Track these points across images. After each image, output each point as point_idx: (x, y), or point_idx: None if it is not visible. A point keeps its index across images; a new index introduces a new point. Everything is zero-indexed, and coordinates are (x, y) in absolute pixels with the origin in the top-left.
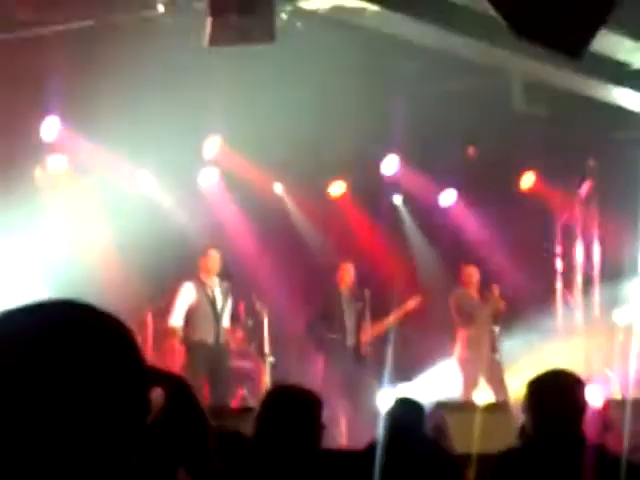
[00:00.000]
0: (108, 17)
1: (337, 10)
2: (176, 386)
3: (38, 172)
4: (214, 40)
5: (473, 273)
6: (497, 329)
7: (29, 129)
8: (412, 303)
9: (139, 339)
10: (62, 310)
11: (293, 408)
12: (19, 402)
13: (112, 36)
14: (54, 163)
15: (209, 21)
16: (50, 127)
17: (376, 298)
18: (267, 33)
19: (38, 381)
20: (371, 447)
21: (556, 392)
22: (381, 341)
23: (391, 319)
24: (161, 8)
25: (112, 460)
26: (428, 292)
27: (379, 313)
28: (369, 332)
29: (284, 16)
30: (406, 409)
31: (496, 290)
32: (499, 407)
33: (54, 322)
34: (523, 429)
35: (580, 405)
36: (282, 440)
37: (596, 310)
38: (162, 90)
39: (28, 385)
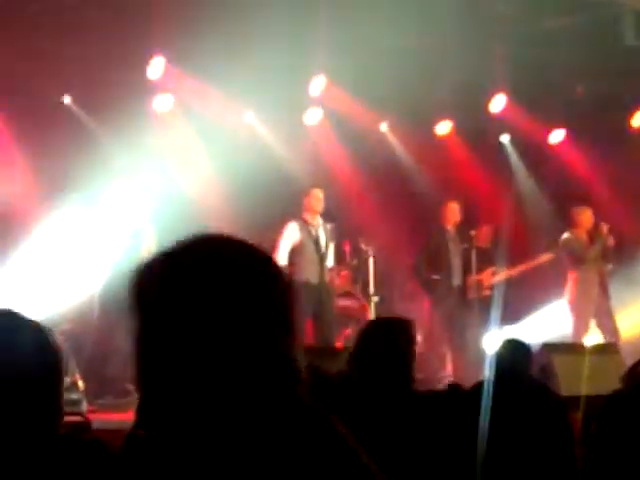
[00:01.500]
0: None
1: None
2: None
3: (144, 111)
4: None
5: (586, 215)
6: (609, 267)
7: (137, 68)
8: (545, 257)
9: None
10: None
11: (386, 334)
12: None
13: None
14: (161, 102)
15: None
16: (157, 66)
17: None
18: None
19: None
20: (477, 388)
21: None
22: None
23: (519, 270)
24: None
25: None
26: (537, 232)
27: (486, 255)
28: (494, 278)
29: None
30: (513, 350)
31: (605, 228)
32: (608, 349)
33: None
34: (631, 372)
35: None
36: (377, 369)
37: None
38: (268, 30)
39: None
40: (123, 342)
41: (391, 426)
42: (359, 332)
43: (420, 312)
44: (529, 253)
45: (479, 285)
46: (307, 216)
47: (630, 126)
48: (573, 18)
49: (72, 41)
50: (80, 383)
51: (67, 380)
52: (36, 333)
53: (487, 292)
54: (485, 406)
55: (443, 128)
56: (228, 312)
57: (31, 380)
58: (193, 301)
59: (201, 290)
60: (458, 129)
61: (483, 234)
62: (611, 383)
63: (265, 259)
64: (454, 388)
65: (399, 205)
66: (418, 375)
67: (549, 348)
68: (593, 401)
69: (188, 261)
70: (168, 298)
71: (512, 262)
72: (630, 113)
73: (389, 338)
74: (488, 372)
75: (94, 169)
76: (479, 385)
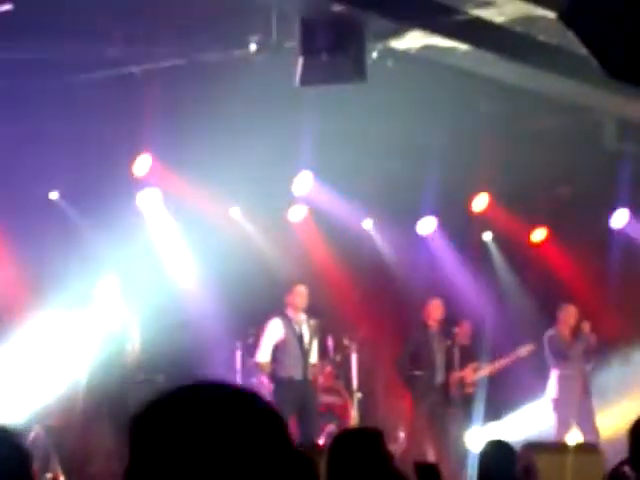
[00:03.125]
0: (201, 55)
1: (428, 49)
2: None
3: (130, 207)
4: (305, 79)
5: (570, 313)
6: (590, 367)
7: (122, 164)
8: (524, 350)
9: (228, 374)
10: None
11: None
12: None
13: (205, 74)
14: (147, 198)
15: (300, 60)
16: (143, 162)
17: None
18: (358, 72)
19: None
20: None
21: None
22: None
23: (501, 364)
24: (253, 47)
25: None
26: (520, 329)
27: (468, 351)
28: (474, 374)
29: (375, 55)
30: (497, 451)
31: (587, 327)
32: (589, 448)
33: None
34: (613, 473)
35: None
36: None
37: None
38: (254, 127)
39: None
40: (106, 439)
41: None
42: (328, 448)
43: (403, 408)
44: (511, 349)
45: (462, 382)
46: (291, 312)
47: (611, 225)
48: (557, 120)
49: (59, 137)
50: (62, 478)
51: (48, 476)
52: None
53: (470, 389)
54: None
55: (427, 225)
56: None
57: None
58: (185, 458)
59: (194, 450)
60: (442, 226)
61: (464, 330)
62: None
63: (259, 408)
64: None
65: (382, 301)
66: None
67: (532, 447)
68: None
69: (187, 417)
70: (162, 450)
71: (494, 358)
72: (610, 213)
73: (356, 456)
74: (472, 472)
75: (80, 264)
76: None
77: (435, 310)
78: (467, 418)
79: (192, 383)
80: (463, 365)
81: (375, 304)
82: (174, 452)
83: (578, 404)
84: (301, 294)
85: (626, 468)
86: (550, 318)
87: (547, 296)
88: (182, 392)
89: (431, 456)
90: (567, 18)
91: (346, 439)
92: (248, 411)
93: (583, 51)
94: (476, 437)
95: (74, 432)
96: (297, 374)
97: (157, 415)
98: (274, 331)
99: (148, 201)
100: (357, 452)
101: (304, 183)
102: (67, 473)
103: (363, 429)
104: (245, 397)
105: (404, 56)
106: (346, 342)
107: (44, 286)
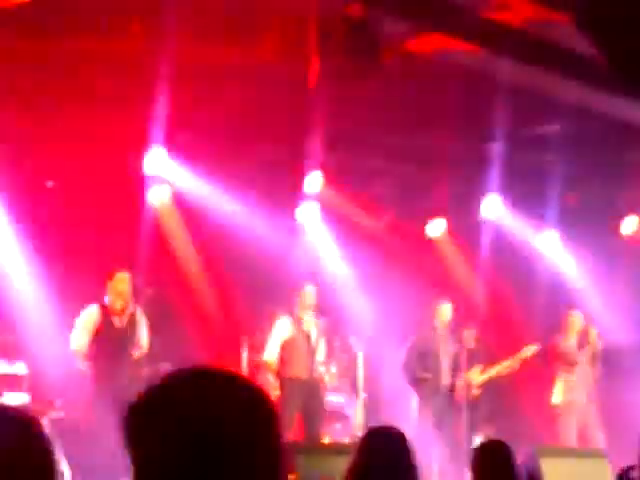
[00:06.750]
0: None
1: (441, 52)
2: None
3: (142, 203)
4: (319, 80)
5: (577, 319)
6: (595, 373)
7: (133, 160)
8: (529, 350)
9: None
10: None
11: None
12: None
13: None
14: (157, 194)
15: (315, 62)
16: (154, 158)
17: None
18: (372, 74)
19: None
20: None
21: None
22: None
23: (507, 365)
24: (268, 47)
25: None
26: (527, 334)
27: (474, 355)
28: (481, 377)
29: (389, 56)
30: (491, 452)
31: (593, 333)
32: (595, 453)
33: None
34: (619, 477)
35: None
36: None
37: None
38: (264, 124)
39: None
40: (113, 430)
41: None
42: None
43: (407, 410)
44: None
45: (469, 385)
46: (299, 311)
47: (620, 233)
48: (566, 125)
49: (73, 130)
50: (66, 471)
51: None
52: (20, 427)
53: (476, 392)
54: None
55: (437, 227)
56: (222, 455)
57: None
58: (186, 441)
59: (194, 431)
60: (451, 229)
61: (472, 334)
62: None
63: (255, 396)
64: None
65: (391, 302)
66: None
67: (537, 451)
68: None
69: (183, 402)
70: (160, 439)
71: (500, 362)
72: (620, 220)
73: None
74: (469, 474)
75: (95, 258)
76: None
77: (443, 313)
78: (473, 422)
79: (188, 369)
80: (469, 368)
81: (383, 305)
82: (171, 440)
83: (584, 409)
84: (309, 293)
85: (634, 473)
86: (557, 323)
87: (556, 301)
88: (178, 378)
89: (436, 459)
90: (581, 22)
91: (377, 436)
92: (243, 399)
93: (596, 55)
94: (482, 440)
95: (81, 423)
96: (303, 373)
97: (151, 402)
98: (282, 330)
99: (159, 197)
100: (390, 448)
101: (315, 182)
102: (72, 466)
103: (391, 428)
104: (249, 387)
105: (418, 57)
106: (353, 342)
107: (56, 278)
